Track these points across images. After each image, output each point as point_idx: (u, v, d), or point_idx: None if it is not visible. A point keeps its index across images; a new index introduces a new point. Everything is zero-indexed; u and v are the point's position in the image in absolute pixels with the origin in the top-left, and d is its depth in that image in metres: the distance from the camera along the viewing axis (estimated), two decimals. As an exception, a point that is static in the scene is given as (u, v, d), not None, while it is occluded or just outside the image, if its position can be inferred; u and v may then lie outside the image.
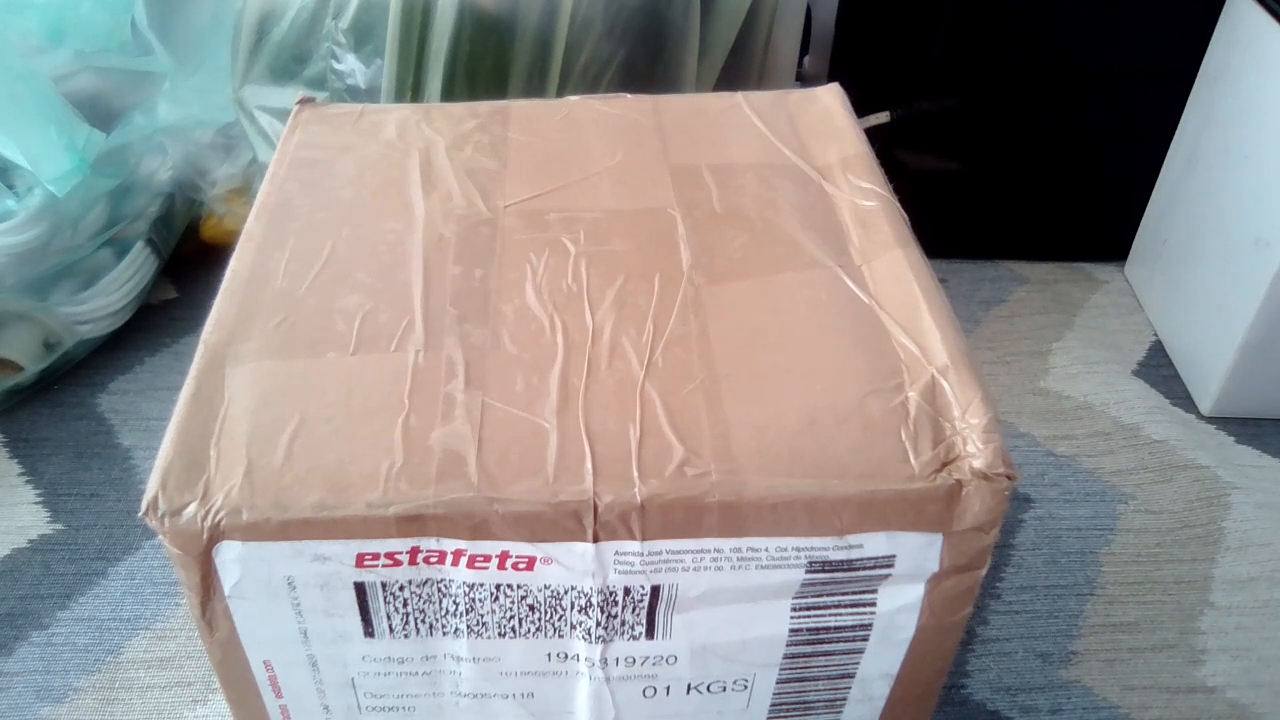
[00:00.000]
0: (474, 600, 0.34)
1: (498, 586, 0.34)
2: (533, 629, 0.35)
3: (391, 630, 0.35)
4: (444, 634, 0.36)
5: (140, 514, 0.32)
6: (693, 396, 0.35)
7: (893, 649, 0.37)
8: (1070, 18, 0.75)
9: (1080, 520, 0.65)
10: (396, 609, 0.35)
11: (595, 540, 0.33)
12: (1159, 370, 0.77)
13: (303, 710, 0.38)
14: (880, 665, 0.38)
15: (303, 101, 0.50)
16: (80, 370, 0.75)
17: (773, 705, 0.39)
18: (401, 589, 0.34)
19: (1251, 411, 0.73)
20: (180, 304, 0.82)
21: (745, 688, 0.38)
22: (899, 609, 0.36)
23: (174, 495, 0.32)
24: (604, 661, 0.36)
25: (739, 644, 0.36)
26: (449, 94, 0.64)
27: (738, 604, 0.35)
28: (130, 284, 0.76)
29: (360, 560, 0.33)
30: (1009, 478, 0.33)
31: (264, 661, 0.36)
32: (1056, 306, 0.83)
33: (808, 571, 0.34)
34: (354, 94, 0.66)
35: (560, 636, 0.36)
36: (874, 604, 0.36)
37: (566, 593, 0.34)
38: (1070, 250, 0.88)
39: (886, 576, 0.35)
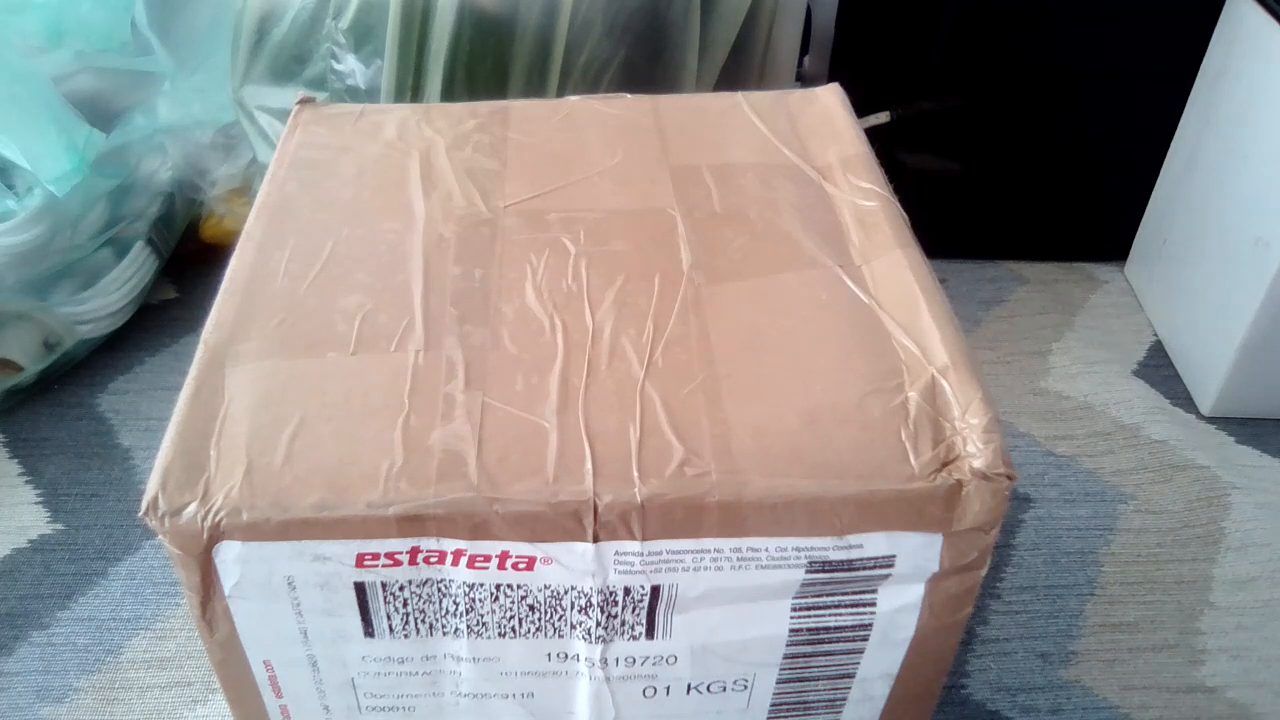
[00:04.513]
0: (474, 600, 0.34)
1: (498, 586, 0.34)
2: (533, 629, 0.35)
3: (391, 630, 0.35)
4: (444, 634, 0.36)
5: (140, 514, 0.32)
6: (693, 396, 0.35)
7: (893, 649, 0.37)
8: (1070, 18, 0.75)
9: (1080, 520, 0.65)
10: (396, 609, 0.35)
11: (595, 540, 0.33)
12: (1159, 370, 0.77)
13: (303, 710, 0.38)
14: (880, 665, 0.38)
15: (303, 101, 0.50)
16: (80, 370, 0.75)
17: (773, 705, 0.39)
18: (401, 589, 0.34)
19: (1251, 411, 0.73)
20: (180, 304, 0.82)
21: (745, 688, 0.38)
22: (899, 609, 0.36)
23: (174, 495, 0.32)
24: (604, 661, 0.36)
25: (739, 644, 0.36)
26: (449, 94, 0.64)
27: (738, 604, 0.35)
28: (130, 284, 0.76)
29: (360, 560, 0.33)
30: (1009, 478, 0.33)
31: (264, 661, 0.36)
32: (1056, 306, 0.83)
33: (808, 571, 0.34)
34: (354, 94, 0.66)
35: (560, 636, 0.36)
36: (874, 604, 0.36)
37: (566, 593, 0.34)
38: (1070, 250, 0.88)
39: (886, 576, 0.35)
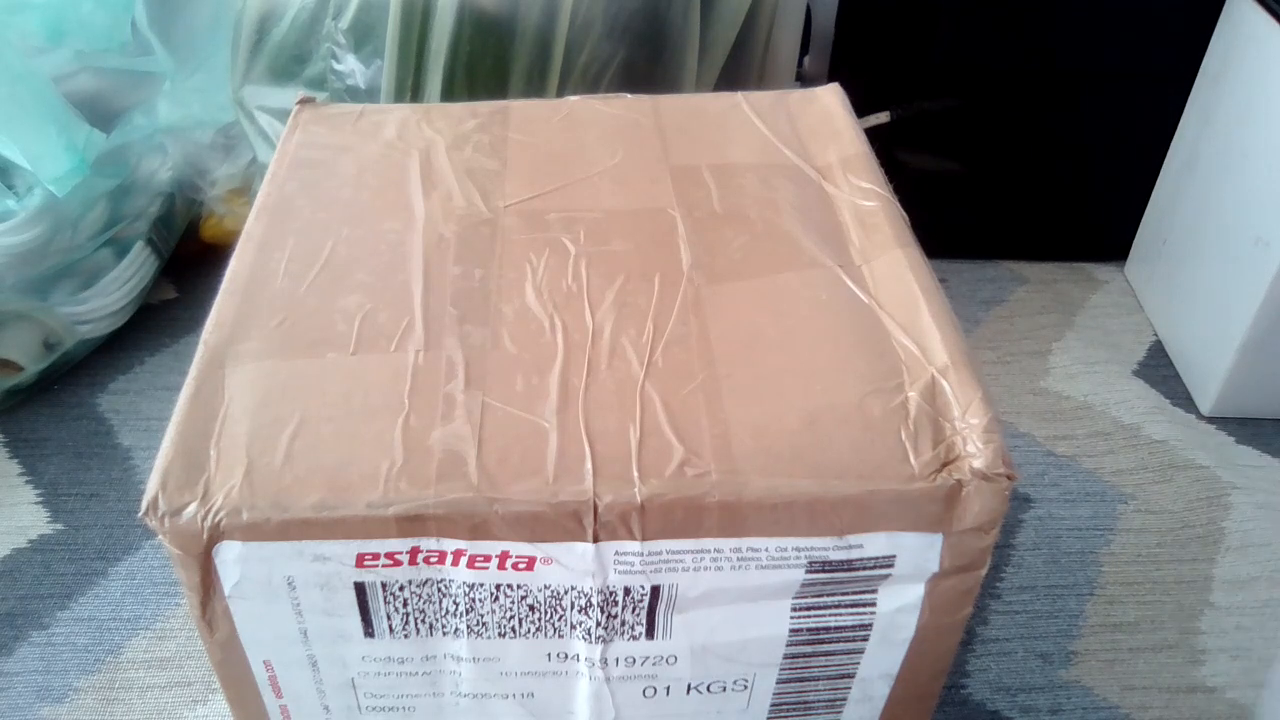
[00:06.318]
0: (474, 600, 0.34)
1: (498, 586, 0.34)
2: (533, 629, 0.35)
3: (391, 630, 0.35)
4: (444, 634, 0.36)
5: (140, 514, 0.32)
6: (693, 396, 0.35)
7: (893, 649, 0.37)
8: (1070, 18, 0.75)
9: (1080, 520, 0.65)
10: (396, 609, 0.35)
11: (595, 540, 0.33)
12: (1159, 370, 0.77)
13: (303, 710, 0.38)
14: (880, 665, 0.38)
15: (303, 101, 0.50)
16: (80, 370, 0.75)
17: (773, 705, 0.39)
18: (401, 589, 0.34)
19: (1251, 411, 0.73)
20: (180, 304, 0.82)
21: (745, 688, 0.38)
22: (899, 609, 0.36)
23: (174, 495, 0.32)
24: (604, 661, 0.36)
25: (739, 644, 0.36)
26: (449, 94, 0.64)
27: (738, 604, 0.35)
28: (130, 284, 0.76)
29: (360, 560, 0.33)
30: (1009, 478, 0.33)
31: (264, 661, 0.36)
32: (1056, 306, 0.83)
33: (808, 571, 0.34)
34: (354, 94, 0.66)
35: (560, 636, 0.36)
36: (874, 604, 0.36)
37: (566, 593, 0.34)
38: (1070, 250, 0.88)
39: (886, 576, 0.35)
